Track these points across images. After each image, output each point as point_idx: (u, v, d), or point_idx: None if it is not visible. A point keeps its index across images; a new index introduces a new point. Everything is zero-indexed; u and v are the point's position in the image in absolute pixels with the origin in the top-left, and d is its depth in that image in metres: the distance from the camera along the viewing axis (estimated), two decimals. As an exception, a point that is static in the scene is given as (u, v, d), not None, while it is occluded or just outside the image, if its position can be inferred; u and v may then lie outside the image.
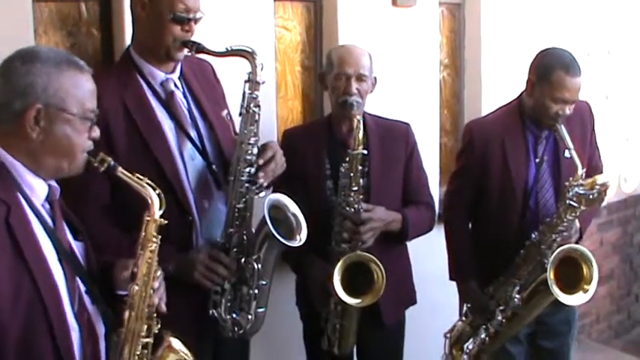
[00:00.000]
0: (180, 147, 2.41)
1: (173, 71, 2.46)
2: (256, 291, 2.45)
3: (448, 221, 3.22)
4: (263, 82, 2.41)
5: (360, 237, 2.71)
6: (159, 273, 1.86)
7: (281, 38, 3.42)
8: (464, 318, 3.16)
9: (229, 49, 2.38)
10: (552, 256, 2.78)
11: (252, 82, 2.40)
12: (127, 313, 1.80)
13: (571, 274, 2.82)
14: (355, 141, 2.68)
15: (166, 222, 1.86)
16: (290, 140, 2.98)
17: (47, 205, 1.79)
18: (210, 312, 2.44)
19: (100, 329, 1.86)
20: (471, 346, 3.11)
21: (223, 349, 2.57)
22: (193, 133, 2.45)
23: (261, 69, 2.39)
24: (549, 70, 2.83)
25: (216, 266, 2.37)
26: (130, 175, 1.83)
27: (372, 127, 2.90)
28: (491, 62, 4.12)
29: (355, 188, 2.71)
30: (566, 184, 2.81)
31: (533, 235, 2.90)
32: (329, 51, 2.99)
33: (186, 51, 2.38)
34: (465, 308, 3.17)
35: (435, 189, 3.77)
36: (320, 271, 2.76)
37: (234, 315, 2.46)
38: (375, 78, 2.90)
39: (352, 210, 2.71)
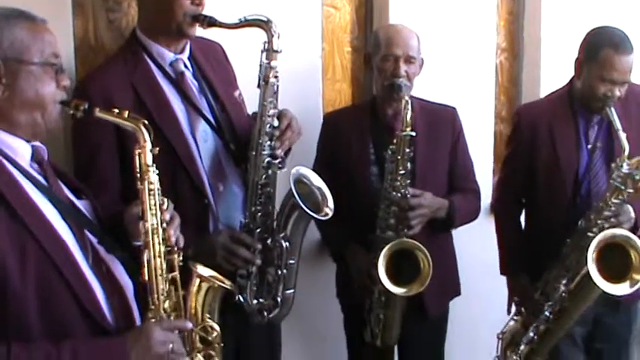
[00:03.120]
0: (192, 129, 2.33)
1: (182, 51, 2.38)
2: (285, 271, 2.36)
3: (498, 212, 3.09)
4: (280, 51, 2.31)
5: (409, 223, 2.60)
6: (166, 205, 1.79)
7: (329, 17, 3.31)
8: (516, 317, 2.99)
9: (243, 20, 2.28)
10: (593, 242, 2.57)
11: (270, 51, 2.30)
12: (144, 253, 1.74)
13: (619, 263, 2.60)
14: (404, 122, 2.57)
15: (158, 149, 1.78)
16: (332, 124, 2.90)
17: (35, 165, 1.74)
18: (237, 297, 2.34)
19: (124, 280, 1.80)
20: (522, 347, 2.92)
21: (249, 338, 2.48)
22: (207, 114, 2.37)
23: (278, 37, 2.29)
24: (597, 48, 2.70)
25: (238, 248, 2.28)
26: (109, 112, 1.77)
27: (418, 111, 2.79)
28: (551, 46, 3.90)
29: (402, 172, 2.60)
30: (612, 165, 2.64)
31: (580, 222, 2.72)
32: (375, 30, 2.90)
33: (197, 27, 2.29)
34: (513, 305, 3.01)
35: (489, 178, 3.63)
36: (364, 259, 2.66)
37: (260, 300, 2.38)
38: (423, 60, 2.79)
39: (399, 195, 2.60)
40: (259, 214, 2.35)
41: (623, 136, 2.63)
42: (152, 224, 1.75)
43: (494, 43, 3.80)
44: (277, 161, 2.35)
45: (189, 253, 2.18)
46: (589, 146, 2.84)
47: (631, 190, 2.63)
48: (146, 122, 1.79)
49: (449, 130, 2.84)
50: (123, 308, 1.76)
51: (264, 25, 2.29)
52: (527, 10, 3.95)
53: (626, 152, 2.62)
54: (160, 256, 1.74)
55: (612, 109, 2.68)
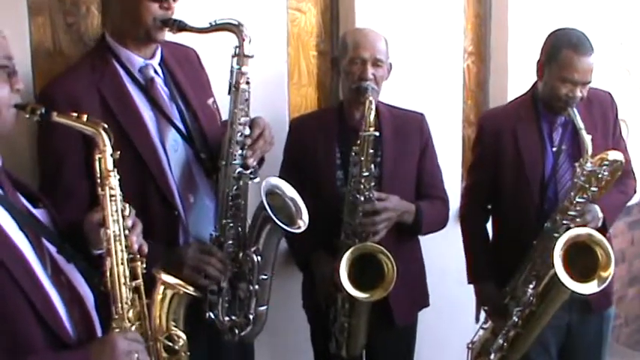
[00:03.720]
0: (162, 138, 2.25)
1: (153, 57, 2.30)
2: (257, 287, 2.29)
3: (464, 219, 3.06)
4: (252, 56, 2.25)
5: (374, 228, 2.55)
6: (128, 211, 1.75)
7: (294, 21, 3.25)
8: (485, 325, 2.98)
9: (213, 23, 2.22)
10: (558, 243, 2.56)
11: (240, 56, 2.23)
12: (107, 261, 1.69)
13: (586, 262, 2.60)
14: (366, 122, 2.53)
15: (119, 152, 1.74)
16: (297, 129, 2.85)
17: None
18: (207, 315, 2.28)
19: (84, 290, 1.75)
20: (492, 356, 2.90)
21: (221, 354, 2.41)
22: (177, 122, 2.30)
23: (249, 42, 2.23)
24: (557, 49, 2.70)
25: (208, 259, 2.22)
26: (67, 116, 1.73)
27: (386, 116, 2.76)
28: (519, 50, 3.90)
29: (366, 174, 2.55)
30: (576, 164, 2.65)
31: (546, 224, 2.71)
32: (343, 34, 2.86)
33: (167, 31, 2.23)
34: (482, 313, 2.99)
35: (457, 184, 3.61)
36: (326, 265, 2.61)
37: (232, 317, 2.31)
38: (391, 64, 2.76)
39: (363, 199, 2.55)
40: (230, 226, 2.28)
41: (585, 135, 2.63)
42: (114, 231, 1.71)
43: (461, 47, 3.78)
44: (249, 172, 2.27)
45: (158, 267, 2.11)
46: (554, 149, 2.83)
47: (595, 189, 2.63)
48: (106, 126, 1.74)
49: (417, 136, 2.80)
50: (83, 319, 1.71)
51: (235, 29, 2.23)
52: (495, 13, 3.93)
53: (589, 151, 2.62)
54: (122, 264, 1.71)
55: (575, 109, 2.68)
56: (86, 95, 2.16)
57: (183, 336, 1.86)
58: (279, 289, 2.94)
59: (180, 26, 2.21)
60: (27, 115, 1.70)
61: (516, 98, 3.01)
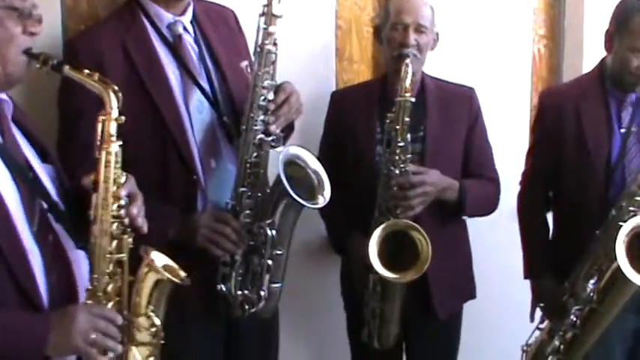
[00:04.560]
0: (185, 97, 2.17)
1: (183, 13, 2.23)
2: (269, 262, 2.15)
3: (522, 207, 2.80)
4: (281, 16, 2.13)
5: (407, 202, 2.36)
6: (124, 179, 1.66)
7: (345, -7, 3.12)
8: (541, 325, 2.71)
9: None
10: (622, 231, 2.29)
11: (268, 15, 2.12)
12: (91, 228, 1.62)
13: None
14: (402, 86, 2.35)
15: (124, 119, 1.66)
16: (338, 102, 2.70)
17: None
18: (219, 287, 2.17)
19: (75, 254, 1.69)
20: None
21: (240, 335, 2.30)
22: (203, 83, 2.21)
23: (279, 1, 2.11)
24: (628, 16, 2.46)
25: (222, 228, 2.10)
26: (79, 72, 1.66)
27: (431, 88, 2.59)
28: (596, 32, 3.57)
29: (402, 144, 2.36)
30: None
31: (611, 212, 2.43)
32: (386, 2, 2.69)
33: None
34: (537, 312, 2.73)
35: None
36: (361, 245, 2.42)
37: (245, 291, 2.18)
38: (438, 34, 2.59)
39: (398, 171, 2.36)
40: (247, 195, 2.16)
41: None
42: (103, 198, 1.62)
43: (530, 29, 3.53)
44: (270, 139, 2.15)
45: (171, 233, 2.08)
46: (622, 129, 2.54)
47: None
48: (116, 88, 1.67)
49: (465, 110, 2.61)
50: (63, 283, 1.63)
51: None
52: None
53: None
54: (106, 235, 1.63)
55: None
56: (110, 50, 2.12)
57: (159, 323, 1.71)
58: (317, 274, 2.82)
59: None
60: (37, 65, 1.65)
61: (583, 75, 2.77)
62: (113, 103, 1.64)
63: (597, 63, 2.67)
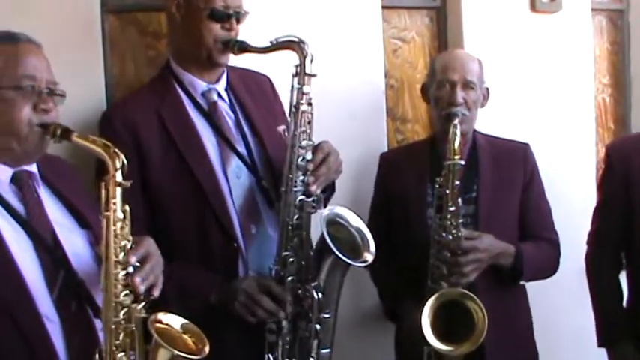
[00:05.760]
0: (223, 164, 2.16)
1: (217, 81, 2.24)
2: (317, 326, 2.07)
3: (591, 271, 2.60)
4: (315, 75, 2.10)
5: (460, 269, 2.24)
6: (130, 244, 1.61)
7: (396, 51, 3.06)
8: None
9: (274, 42, 2.11)
10: None
11: (301, 74, 2.09)
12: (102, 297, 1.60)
13: None
14: (450, 150, 2.26)
15: (129, 183, 1.63)
16: (387, 163, 2.63)
17: (14, 188, 1.67)
18: (266, 357, 2.08)
19: None
20: None
21: None
22: (240, 149, 2.19)
23: (311, 60, 2.09)
24: None
25: (262, 297, 2.03)
26: (85, 138, 1.66)
27: (483, 147, 2.50)
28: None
29: (453, 209, 2.27)
30: None
31: None
32: (432, 59, 2.63)
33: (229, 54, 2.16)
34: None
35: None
36: (413, 314, 2.29)
37: (293, 360, 2.10)
38: (488, 89, 2.50)
39: (450, 237, 2.26)
40: (291, 259, 2.09)
41: None
42: (107, 266, 1.59)
43: (591, 77, 3.38)
44: (311, 199, 2.09)
45: (212, 299, 2.06)
46: None
47: None
48: (119, 152, 1.63)
49: (520, 167, 2.51)
50: (87, 348, 1.60)
51: (296, 46, 2.10)
52: (634, 39, 3.52)
53: None
54: (111, 304, 1.58)
55: None
56: (145, 119, 2.14)
57: None
58: (371, 342, 2.69)
59: (241, 47, 2.15)
60: (49, 137, 1.66)
61: None
62: (117, 166, 1.62)
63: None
